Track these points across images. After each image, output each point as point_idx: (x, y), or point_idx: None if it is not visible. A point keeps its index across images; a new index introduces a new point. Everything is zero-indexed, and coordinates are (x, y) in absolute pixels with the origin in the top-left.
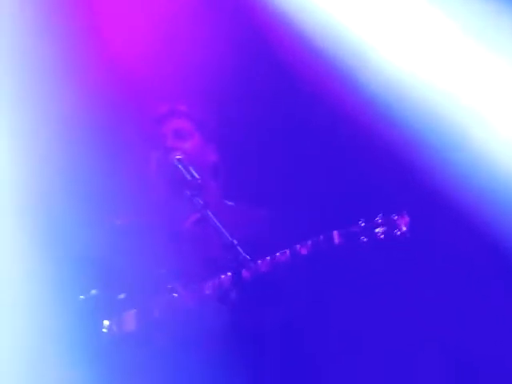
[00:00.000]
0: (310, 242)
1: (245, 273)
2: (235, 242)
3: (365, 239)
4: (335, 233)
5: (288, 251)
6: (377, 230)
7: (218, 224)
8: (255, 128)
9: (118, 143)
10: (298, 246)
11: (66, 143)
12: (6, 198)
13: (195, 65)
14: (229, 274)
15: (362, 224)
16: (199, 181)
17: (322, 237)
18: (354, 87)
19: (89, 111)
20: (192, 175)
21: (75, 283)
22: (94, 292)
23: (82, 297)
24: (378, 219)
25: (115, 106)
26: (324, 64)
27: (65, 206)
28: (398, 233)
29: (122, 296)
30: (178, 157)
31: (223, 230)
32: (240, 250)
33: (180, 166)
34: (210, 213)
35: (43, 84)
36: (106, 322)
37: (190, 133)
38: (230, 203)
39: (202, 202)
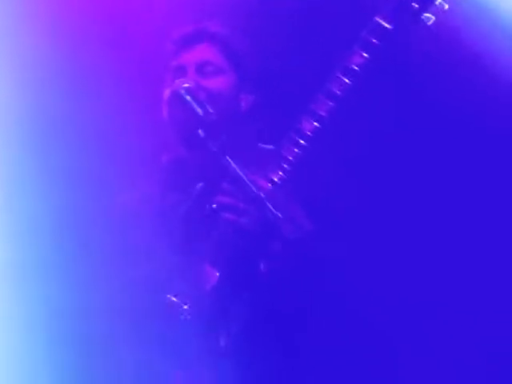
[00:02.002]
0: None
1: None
2: (262, 195)
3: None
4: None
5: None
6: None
7: (240, 174)
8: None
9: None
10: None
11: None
12: None
13: None
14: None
15: None
16: (214, 116)
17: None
18: None
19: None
20: (204, 109)
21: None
22: None
23: None
24: None
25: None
26: None
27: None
28: None
29: None
30: (185, 85)
31: (247, 181)
32: (269, 206)
33: (188, 98)
34: (229, 159)
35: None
36: None
37: (220, 66)
38: (269, 147)
39: (217, 145)
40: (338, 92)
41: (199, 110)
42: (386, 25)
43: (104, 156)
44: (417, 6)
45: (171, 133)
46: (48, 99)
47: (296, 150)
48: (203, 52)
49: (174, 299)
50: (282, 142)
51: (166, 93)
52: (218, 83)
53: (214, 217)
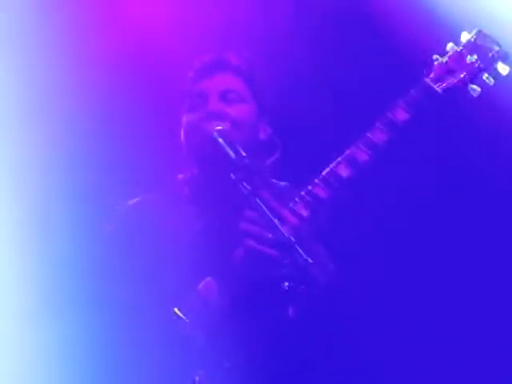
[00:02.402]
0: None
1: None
2: (293, 239)
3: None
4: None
5: None
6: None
7: (270, 216)
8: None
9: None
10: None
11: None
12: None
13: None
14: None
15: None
16: (246, 160)
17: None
18: None
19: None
20: (237, 152)
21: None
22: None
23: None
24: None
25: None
26: None
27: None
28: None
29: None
30: (218, 127)
31: (277, 224)
32: (300, 250)
33: (221, 140)
34: (259, 202)
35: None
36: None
37: (242, 95)
38: (283, 183)
39: (249, 188)
40: (377, 142)
41: (232, 154)
42: (436, 88)
43: (122, 170)
44: (465, 75)
45: (190, 159)
46: (74, 121)
47: (328, 190)
48: (226, 80)
49: (183, 316)
50: (311, 179)
51: (184, 120)
52: (240, 110)
53: (237, 241)
